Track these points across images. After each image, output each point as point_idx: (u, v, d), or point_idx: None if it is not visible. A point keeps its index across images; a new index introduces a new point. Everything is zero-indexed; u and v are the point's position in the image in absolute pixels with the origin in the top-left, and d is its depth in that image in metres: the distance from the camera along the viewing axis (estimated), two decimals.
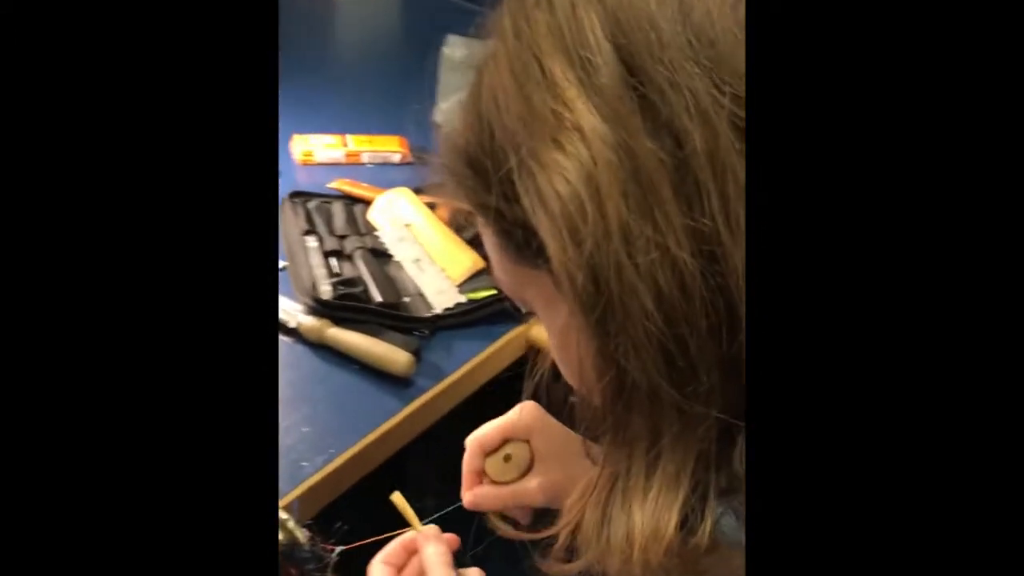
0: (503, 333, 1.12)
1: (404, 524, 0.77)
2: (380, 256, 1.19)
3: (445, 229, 1.21)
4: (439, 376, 1.05)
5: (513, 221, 0.45)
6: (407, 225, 1.22)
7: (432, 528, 0.76)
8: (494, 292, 1.14)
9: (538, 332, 1.14)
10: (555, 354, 0.51)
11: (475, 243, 1.21)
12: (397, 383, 1.03)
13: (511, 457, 0.80)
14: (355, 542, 0.82)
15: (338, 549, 0.80)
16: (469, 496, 0.79)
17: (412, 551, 0.76)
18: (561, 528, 0.51)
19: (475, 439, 0.81)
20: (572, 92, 0.40)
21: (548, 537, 0.53)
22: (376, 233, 1.23)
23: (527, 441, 0.81)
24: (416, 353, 1.03)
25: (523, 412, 0.82)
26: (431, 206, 1.25)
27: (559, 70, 0.40)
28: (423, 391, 1.02)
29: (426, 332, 1.08)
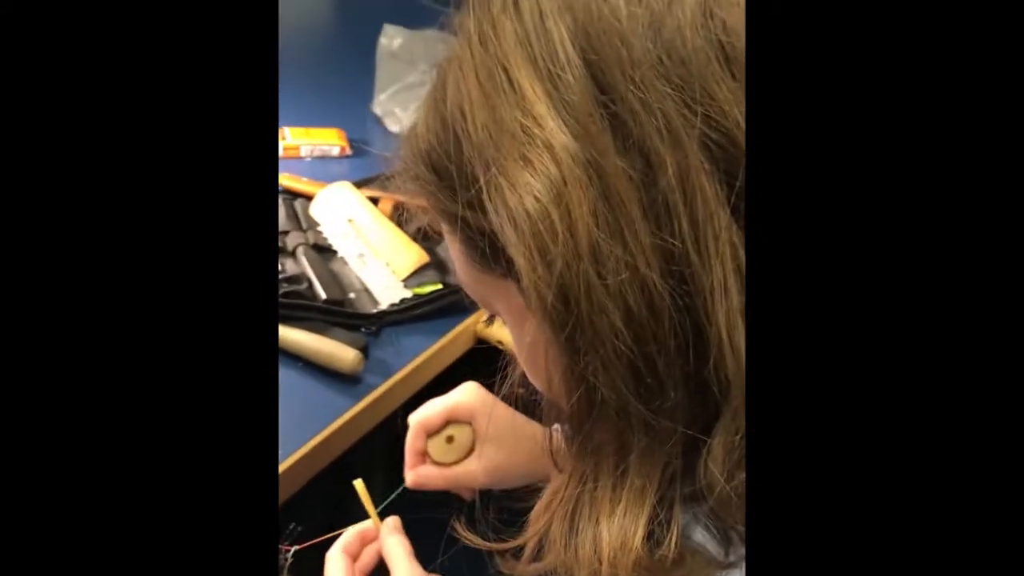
0: (451, 328, 1.12)
1: (364, 515, 0.77)
2: (323, 252, 1.18)
3: (388, 224, 1.20)
4: (387, 372, 1.04)
5: (480, 231, 0.44)
6: (350, 220, 1.20)
7: (394, 520, 0.76)
8: (439, 287, 1.13)
9: (486, 326, 1.14)
10: (524, 365, 0.51)
11: (419, 237, 1.20)
12: (345, 381, 1.01)
13: (453, 439, 0.81)
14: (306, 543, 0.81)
15: (292, 550, 0.79)
16: (412, 476, 0.80)
17: (368, 541, 0.76)
18: (529, 538, 0.51)
19: (417, 420, 0.82)
20: (541, 107, 0.39)
21: (515, 547, 0.53)
22: (319, 228, 1.21)
23: (469, 423, 0.82)
24: (363, 350, 1.02)
25: (466, 393, 0.83)
26: (374, 200, 1.24)
27: (527, 83, 0.40)
28: (371, 388, 1.02)
29: (373, 328, 1.07)
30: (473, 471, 0.79)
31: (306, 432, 0.95)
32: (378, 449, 1.24)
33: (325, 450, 0.96)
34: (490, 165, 0.41)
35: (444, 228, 0.48)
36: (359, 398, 1.00)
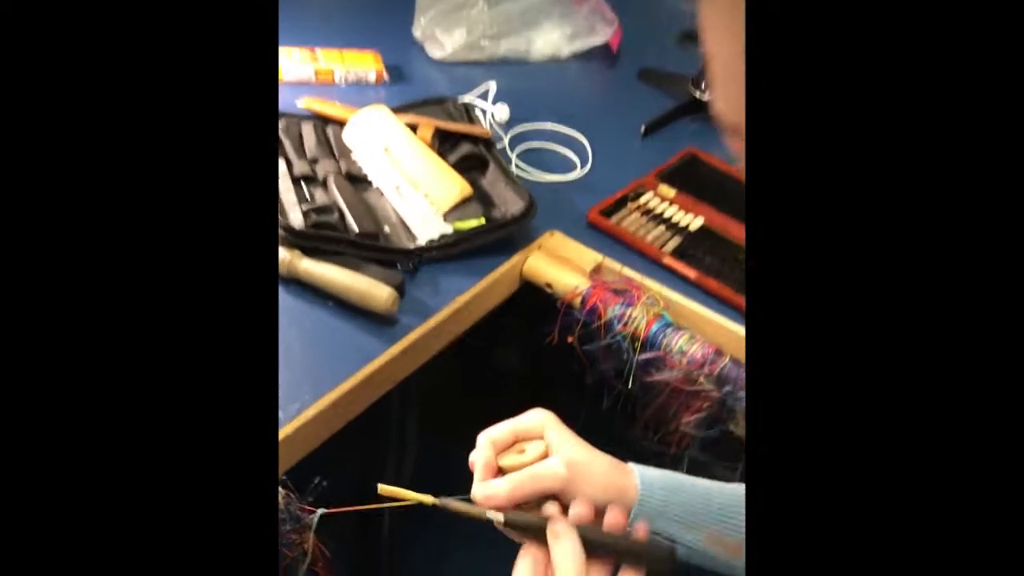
0: (494, 267, 1.02)
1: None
2: (356, 182, 1.08)
3: (428, 152, 1.10)
4: (425, 314, 0.95)
5: None
6: (386, 148, 1.10)
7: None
8: (482, 222, 1.03)
9: (533, 265, 1.04)
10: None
11: (461, 167, 1.10)
12: (379, 322, 0.92)
13: (524, 451, 0.72)
14: (335, 499, 0.73)
15: (319, 512, 0.71)
16: (481, 488, 0.70)
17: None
18: None
19: (488, 436, 0.72)
20: None
21: None
22: (352, 156, 1.11)
23: (540, 438, 0.73)
24: (399, 289, 0.93)
25: (536, 414, 0.74)
26: (412, 128, 1.13)
27: None
28: (408, 330, 0.92)
29: (410, 266, 0.98)
30: (554, 465, 0.69)
31: (335, 377, 0.86)
32: (414, 399, 1.15)
33: (356, 398, 0.87)
34: None
35: None
36: (394, 341, 0.91)
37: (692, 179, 1.19)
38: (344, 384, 0.86)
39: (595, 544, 0.63)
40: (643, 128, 1.28)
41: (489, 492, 0.68)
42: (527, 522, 0.65)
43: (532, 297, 1.07)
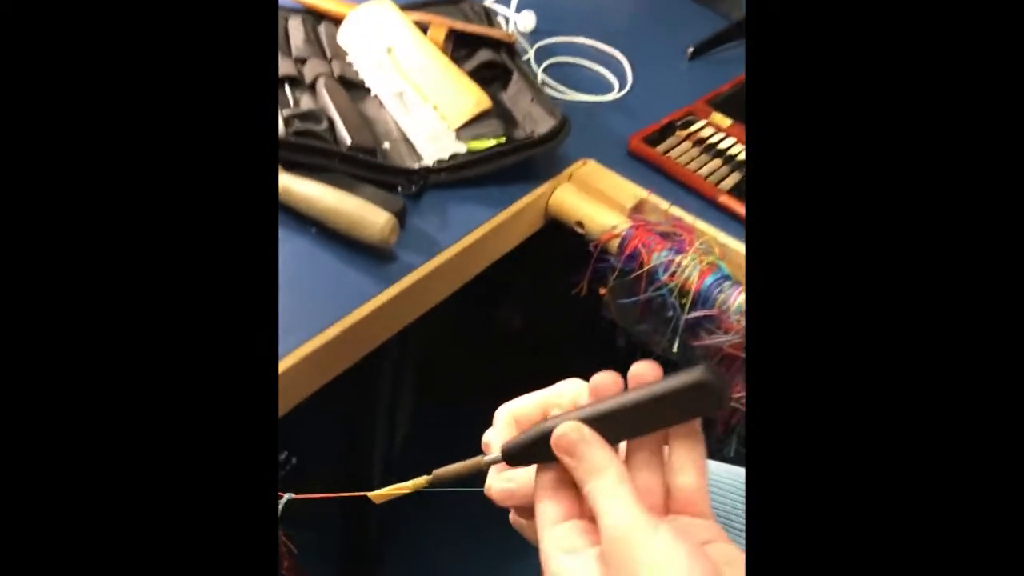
0: (515, 198, 0.84)
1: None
2: (352, 88, 0.89)
3: (440, 56, 0.91)
4: (429, 251, 0.76)
5: None
6: (389, 49, 0.91)
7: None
8: (503, 142, 0.85)
9: (562, 198, 0.86)
10: None
11: (479, 78, 0.91)
12: (372, 257, 0.74)
13: None
14: (314, 480, 0.56)
15: (286, 497, 0.54)
16: (497, 483, 0.51)
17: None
18: None
19: (508, 410, 0.54)
20: None
21: None
22: (347, 59, 0.92)
23: None
24: (399, 216, 0.75)
25: (569, 385, 0.55)
26: (422, 28, 0.94)
27: None
28: (408, 269, 0.74)
29: (413, 189, 0.79)
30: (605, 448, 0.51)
31: (315, 323, 0.68)
32: (410, 360, 0.97)
33: (339, 351, 0.69)
34: None
35: None
36: (390, 282, 0.73)
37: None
38: (326, 332, 0.68)
39: (615, 416, 0.44)
40: (690, 50, 1.09)
41: (510, 487, 0.50)
42: (533, 436, 0.46)
43: (557, 239, 0.89)
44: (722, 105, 0.99)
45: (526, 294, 1.40)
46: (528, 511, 0.54)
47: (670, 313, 0.83)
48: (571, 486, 0.44)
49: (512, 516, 0.55)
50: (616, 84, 1.02)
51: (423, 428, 1.18)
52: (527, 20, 1.06)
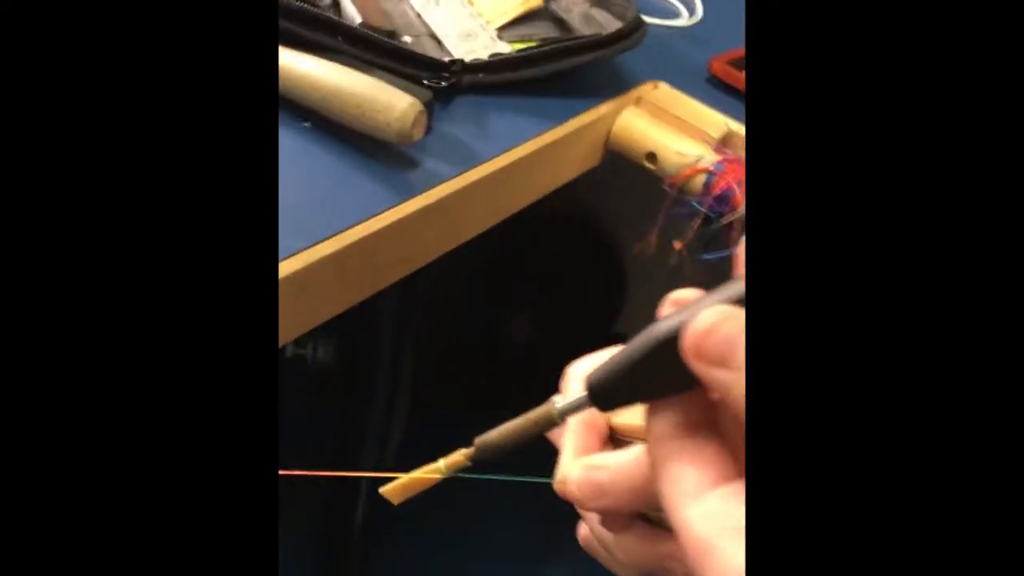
0: (573, 113, 0.64)
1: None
2: None
3: None
4: (465, 161, 0.57)
5: None
6: None
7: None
8: (559, 39, 0.65)
9: (629, 123, 0.67)
10: None
11: None
12: (389, 161, 0.54)
13: None
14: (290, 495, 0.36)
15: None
16: (583, 474, 0.32)
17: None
18: None
19: (583, 370, 0.34)
20: None
21: None
22: None
23: None
24: (427, 108, 0.55)
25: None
26: None
27: None
28: (437, 180, 0.54)
29: (442, 84, 0.60)
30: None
31: (313, 231, 0.48)
32: (413, 358, 0.78)
33: (343, 275, 0.49)
34: None
35: None
36: (412, 192, 0.53)
37: None
38: (321, 245, 0.47)
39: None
40: None
41: (600, 477, 0.32)
42: (642, 350, 0.27)
43: (572, 240, 0.70)
44: None
45: (535, 302, 1.21)
46: (619, 520, 0.34)
47: None
48: (715, 432, 0.27)
49: (585, 532, 0.35)
50: (685, 12, 0.84)
51: (418, 440, 0.97)
52: None
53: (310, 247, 0.47)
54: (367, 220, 0.50)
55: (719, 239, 0.64)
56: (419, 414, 0.95)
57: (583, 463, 0.32)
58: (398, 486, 0.33)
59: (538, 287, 1.19)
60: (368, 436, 0.91)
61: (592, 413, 0.33)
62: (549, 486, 0.33)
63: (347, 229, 0.49)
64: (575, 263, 1.03)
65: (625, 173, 0.69)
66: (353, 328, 0.90)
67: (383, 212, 0.51)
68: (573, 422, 0.34)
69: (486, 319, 1.20)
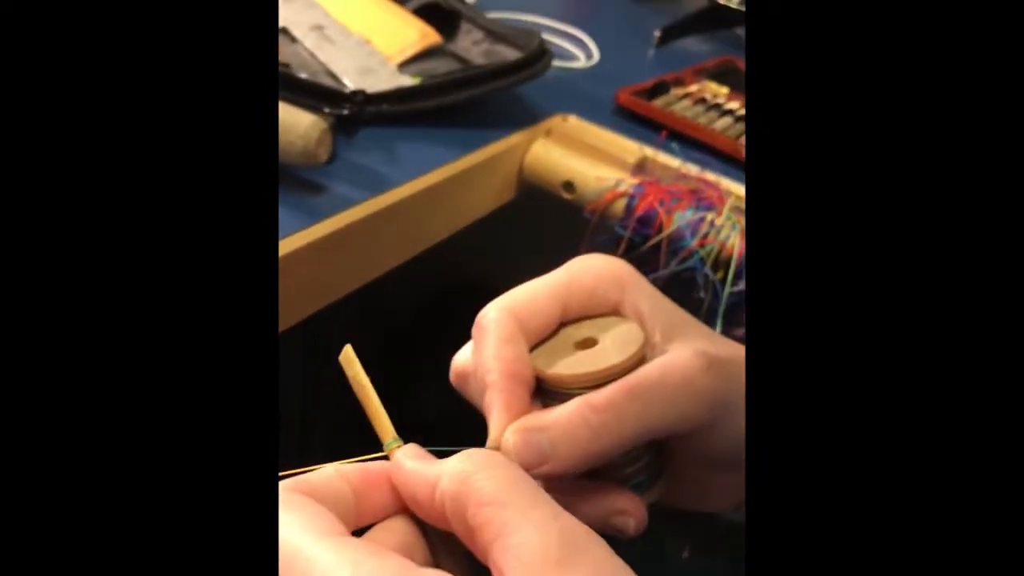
0: (485, 142, 0.61)
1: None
2: None
3: None
4: (376, 186, 0.53)
5: None
6: None
7: (413, 449, 0.29)
8: (462, 70, 0.63)
9: (542, 155, 0.64)
10: None
11: (425, 14, 0.70)
12: (292, 186, 0.50)
13: (592, 343, 0.33)
14: None
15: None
16: (516, 431, 0.30)
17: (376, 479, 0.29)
18: None
19: (503, 306, 0.32)
20: None
21: None
22: None
23: (617, 314, 0.34)
24: (331, 133, 0.51)
25: (597, 267, 0.34)
26: None
27: None
28: (345, 204, 0.50)
29: (344, 111, 0.56)
30: (686, 363, 0.31)
31: None
32: (367, 329, 0.71)
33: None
34: None
35: None
36: (318, 217, 0.48)
37: (742, 86, 0.82)
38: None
39: None
40: (657, 34, 0.92)
41: (538, 443, 0.29)
42: None
43: (537, 212, 0.67)
44: (716, 76, 0.81)
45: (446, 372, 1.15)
46: (563, 480, 0.31)
47: (701, 293, 0.61)
48: None
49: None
50: (582, 56, 0.83)
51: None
52: None
53: None
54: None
55: (647, 261, 0.62)
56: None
57: (520, 426, 0.29)
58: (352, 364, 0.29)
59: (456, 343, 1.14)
60: None
61: (517, 364, 0.31)
62: None
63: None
64: None
65: (539, 209, 0.66)
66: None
67: (289, 236, 0.46)
68: (497, 377, 0.30)
69: (403, 382, 1.14)
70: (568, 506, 0.25)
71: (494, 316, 0.31)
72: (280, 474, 0.25)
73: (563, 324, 0.34)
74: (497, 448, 0.30)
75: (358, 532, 0.27)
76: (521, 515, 0.24)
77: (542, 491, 0.25)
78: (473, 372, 0.32)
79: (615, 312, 0.34)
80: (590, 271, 0.34)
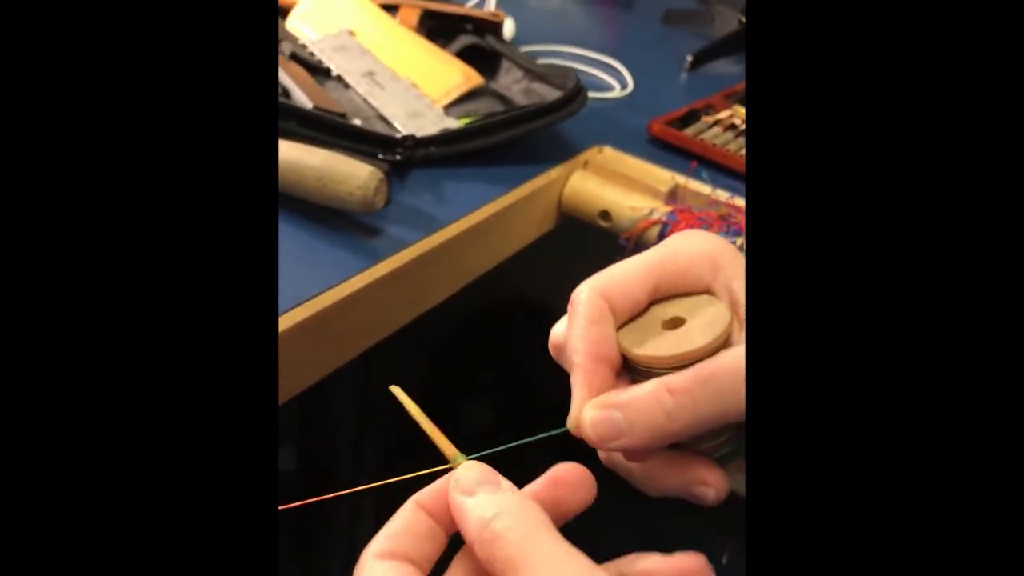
0: (526, 178, 0.66)
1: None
2: (312, 71, 0.72)
3: (415, 37, 0.75)
4: (427, 226, 0.57)
5: None
6: (352, 32, 0.75)
7: (480, 469, 0.31)
8: (504, 112, 0.68)
9: (579, 186, 0.68)
10: None
11: (467, 56, 0.75)
12: (352, 231, 0.55)
13: (681, 323, 0.34)
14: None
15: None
16: (594, 408, 0.32)
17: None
18: None
19: (593, 287, 0.34)
20: None
21: None
22: (300, 42, 0.75)
23: (709, 293, 0.34)
24: (387, 179, 0.56)
25: (691, 243, 0.35)
26: (390, 9, 0.78)
27: None
28: (401, 245, 0.55)
29: (397, 156, 0.61)
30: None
31: (282, 299, 0.48)
32: (412, 348, 0.77)
33: (315, 341, 0.49)
34: None
35: None
36: (378, 257, 0.53)
37: None
38: (293, 312, 0.47)
39: None
40: (689, 59, 0.96)
41: (614, 419, 0.31)
42: None
43: (526, 323, 0.71)
44: (744, 101, 0.85)
45: (494, 388, 1.20)
46: (642, 452, 0.33)
47: None
48: None
49: (605, 454, 0.34)
50: (617, 85, 0.87)
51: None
52: (506, 27, 0.92)
53: (284, 312, 0.47)
54: (337, 286, 0.50)
55: None
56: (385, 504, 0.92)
57: (597, 403, 0.31)
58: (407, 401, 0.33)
59: (496, 374, 1.18)
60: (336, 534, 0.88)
61: (602, 345, 0.32)
62: (565, 435, 0.32)
63: (317, 295, 0.49)
64: (534, 344, 1.04)
65: (579, 236, 0.71)
66: (310, 429, 0.88)
67: (352, 278, 0.51)
68: (582, 358, 0.32)
69: (447, 405, 1.19)
70: (650, 475, 0.28)
71: (585, 296, 0.33)
72: (350, 490, 0.29)
73: (655, 301, 0.35)
74: (576, 424, 0.32)
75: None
76: None
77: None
78: (564, 347, 0.34)
79: (708, 291, 0.34)
80: (684, 252, 0.34)
